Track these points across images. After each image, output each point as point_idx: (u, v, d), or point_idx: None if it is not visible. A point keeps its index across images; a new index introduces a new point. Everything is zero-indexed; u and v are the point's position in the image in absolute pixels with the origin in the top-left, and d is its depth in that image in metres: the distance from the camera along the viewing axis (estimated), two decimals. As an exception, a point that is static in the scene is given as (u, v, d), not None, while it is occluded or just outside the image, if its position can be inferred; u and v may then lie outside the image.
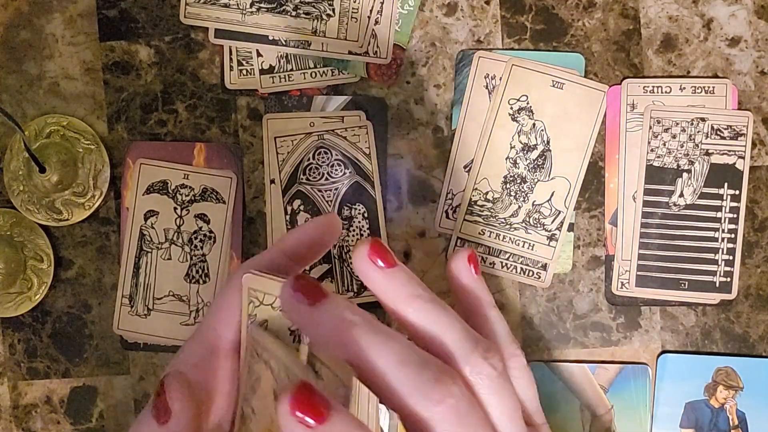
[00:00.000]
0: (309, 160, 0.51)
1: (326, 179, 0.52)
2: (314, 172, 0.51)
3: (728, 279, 0.53)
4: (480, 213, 0.53)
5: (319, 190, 0.50)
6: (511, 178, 0.53)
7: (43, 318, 0.55)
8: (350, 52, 0.53)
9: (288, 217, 0.50)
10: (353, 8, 0.53)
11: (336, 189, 0.52)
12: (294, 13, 0.53)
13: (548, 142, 0.53)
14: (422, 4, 0.54)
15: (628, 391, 0.53)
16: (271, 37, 0.53)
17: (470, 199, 0.53)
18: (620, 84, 0.53)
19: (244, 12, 0.53)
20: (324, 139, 0.51)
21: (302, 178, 0.51)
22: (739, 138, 0.53)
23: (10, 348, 0.55)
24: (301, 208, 0.50)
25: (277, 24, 0.53)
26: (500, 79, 0.53)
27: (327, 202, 0.51)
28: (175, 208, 0.54)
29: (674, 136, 0.53)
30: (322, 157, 0.52)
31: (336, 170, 0.52)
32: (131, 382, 0.55)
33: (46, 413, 0.55)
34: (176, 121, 0.54)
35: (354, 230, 0.52)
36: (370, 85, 0.54)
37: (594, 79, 0.53)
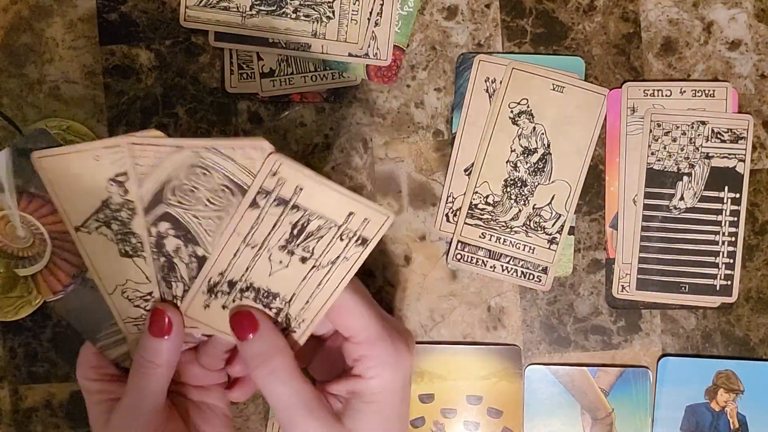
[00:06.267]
0: (180, 179, 0.40)
1: (205, 206, 0.41)
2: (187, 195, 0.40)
3: (729, 282, 0.53)
4: (480, 216, 0.53)
5: (196, 217, 0.41)
6: (512, 182, 0.53)
7: (43, 322, 0.55)
8: (350, 54, 0.53)
9: (154, 239, 0.41)
10: (353, 10, 0.53)
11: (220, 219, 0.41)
12: (294, 16, 0.53)
13: (549, 146, 0.53)
14: (422, 8, 0.54)
15: (629, 394, 0.53)
16: (271, 40, 0.53)
17: (471, 202, 0.53)
18: (620, 87, 0.53)
19: (244, 15, 0.53)
20: (203, 158, 0.39)
21: (170, 199, 0.40)
22: (739, 141, 0.53)
23: (11, 352, 0.55)
24: (170, 232, 0.41)
25: (277, 27, 0.53)
26: (500, 82, 0.53)
27: (208, 232, 0.41)
28: (175, 212, 0.54)
29: (675, 140, 0.53)
30: (199, 179, 0.40)
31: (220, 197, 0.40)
32: (132, 385, 0.55)
33: (47, 417, 0.55)
34: (177, 125, 0.54)
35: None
36: (371, 88, 0.54)
37: (594, 83, 0.53)
